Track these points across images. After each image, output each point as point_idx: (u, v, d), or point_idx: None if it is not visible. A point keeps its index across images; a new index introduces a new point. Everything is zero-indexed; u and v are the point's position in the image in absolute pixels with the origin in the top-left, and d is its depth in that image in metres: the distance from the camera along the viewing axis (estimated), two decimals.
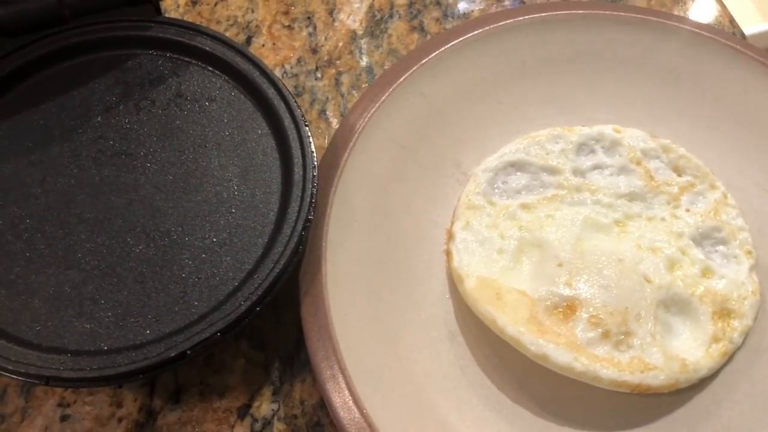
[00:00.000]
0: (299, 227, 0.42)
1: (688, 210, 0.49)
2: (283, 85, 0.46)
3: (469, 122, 0.52)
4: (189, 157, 0.44)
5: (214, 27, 0.59)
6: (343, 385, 0.40)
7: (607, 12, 0.56)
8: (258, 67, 0.47)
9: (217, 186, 0.43)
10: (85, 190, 0.43)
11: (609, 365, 0.41)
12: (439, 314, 0.46)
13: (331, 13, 0.61)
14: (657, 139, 0.51)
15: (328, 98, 0.56)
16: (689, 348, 0.43)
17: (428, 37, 0.60)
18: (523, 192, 0.49)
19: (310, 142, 0.44)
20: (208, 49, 0.47)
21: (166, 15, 0.50)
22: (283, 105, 0.46)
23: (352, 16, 0.61)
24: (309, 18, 0.61)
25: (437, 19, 0.61)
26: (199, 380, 0.45)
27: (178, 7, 0.61)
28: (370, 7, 0.62)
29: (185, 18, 0.59)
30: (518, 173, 0.50)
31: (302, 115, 0.45)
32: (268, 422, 0.44)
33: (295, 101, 0.46)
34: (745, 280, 0.46)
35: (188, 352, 0.37)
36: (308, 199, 0.42)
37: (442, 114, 0.52)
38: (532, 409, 0.43)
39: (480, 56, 0.54)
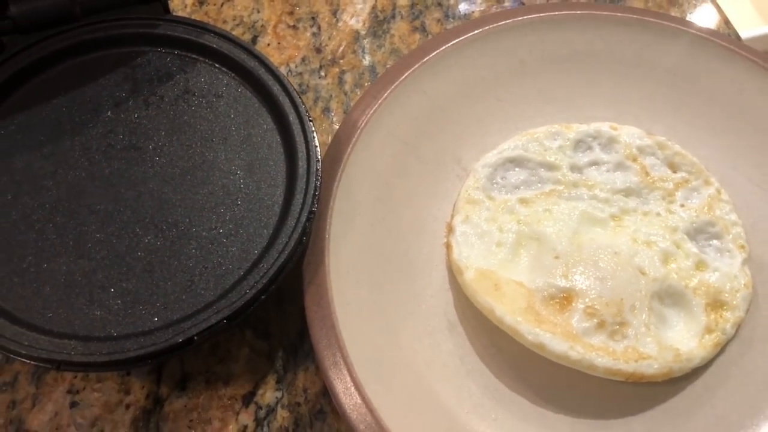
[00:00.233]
0: (303, 219, 0.43)
1: (682, 205, 0.50)
2: (288, 81, 0.48)
3: (469, 119, 0.54)
4: (196, 151, 0.46)
5: (220, 26, 0.60)
6: (345, 373, 0.41)
7: (605, 13, 0.57)
8: (264, 64, 0.48)
9: (224, 179, 0.45)
10: (95, 182, 0.44)
11: (604, 354, 0.42)
12: (439, 305, 0.47)
13: (334, 13, 0.63)
14: (653, 136, 0.52)
15: (331, 96, 0.58)
16: (683, 338, 0.44)
17: (429, 37, 0.61)
18: (522, 187, 0.50)
19: (314, 137, 0.45)
20: (215, 46, 0.49)
21: (174, 14, 0.51)
22: (288, 101, 0.47)
23: (356, 16, 0.62)
24: (313, 18, 0.62)
25: (438, 20, 0.63)
26: (204, 368, 0.46)
27: (186, 7, 0.62)
28: (373, 7, 0.63)
29: (192, 17, 0.61)
30: (517, 169, 0.51)
31: (306, 111, 0.46)
32: (272, 409, 0.45)
33: (300, 98, 0.47)
34: (737, 273, 0.47)
35: (195, 338, 0.39)
36: (312, 192, 0.44)
37: (443, 111, 0.53)
38: (529, 397, 0.44)
39: (480, 55, 0.55)
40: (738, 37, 0.62)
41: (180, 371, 0.46)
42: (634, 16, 0.57)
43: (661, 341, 0.44)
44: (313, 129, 0.46)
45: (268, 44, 0.60)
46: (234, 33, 0.53)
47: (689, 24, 0.57)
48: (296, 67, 0.59)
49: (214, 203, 0.44)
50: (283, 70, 0.58)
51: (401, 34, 0.62)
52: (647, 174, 0.51)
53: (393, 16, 0.63)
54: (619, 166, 0.51)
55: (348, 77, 0.59)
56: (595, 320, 0.43)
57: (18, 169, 0.44)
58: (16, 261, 0.41)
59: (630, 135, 0.52)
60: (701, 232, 0.49)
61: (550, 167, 0.51)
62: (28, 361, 0.38)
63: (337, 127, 0.51)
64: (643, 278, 0.45)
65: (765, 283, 0.48)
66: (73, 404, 0.44)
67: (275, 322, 0.48)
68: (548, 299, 0.44)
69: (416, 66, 0.53)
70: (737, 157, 0.53)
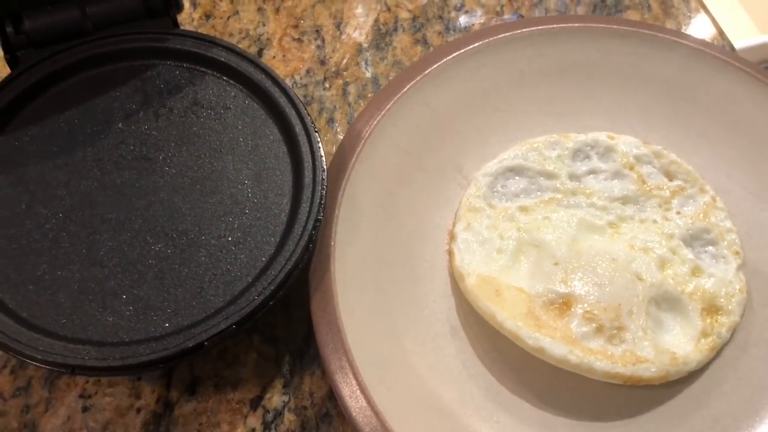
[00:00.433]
0: (309, 227, 0.44)
1: (678, 212, 0.51)
2: (294, 93, 0.49)
3: (470, 129, 0.55)
4: (205, 161, 0.47)
5: (227, 39, 0.61)
6: (351, 376, 0.42)
7: (602, 25, 0.58)
8: (270, 76, 0.49)
9: (232, 188, 0.46)
10: (107, 192, 0.45)
11: (603, 358, 0.43)
12: (442, 310, 0.48)
13: (338, 26, 0.64)
14: (649, 145, 0.53)
15: (335, 107, 0.59)
16: (679, 342, 0.46)
17: (431, 49, 0.63)
18: (522, 195, 0.51)
19: (319, 147, 0.47)
20: (223, 59, 0.50)
21: (183, 28, 0.52)
22: (294, 112, 0.48)
23: (359, 29, 0.64)
24: (317, 31, 0.63)
25: (439, 33, 0.64)
26: (213, 373, 0.47)
27: (193, 20, 0.64)
28: (376, 20, 0.64)
29: (199, 31, 0.62)
30: (517, 177, 0.52)
31: (312, 122, 0.48)
32: (279, 413, 0.46)
33: (306, 109, 0.48)
34: (732, 279, 0.48)
35: (205, 343, 0.40)
36: (318, 201, 0.45)
37: (445, 121, 0.54)
38: (530, 400, 0.45)
39: (480, 67, 0.56)
40: (732, 48, 0.63)
41: (189, 376, 0.47)
42: (631, 29, 0.58)
43: (658, 345, 0.45)
44: (319, 140, 0.47)
45: (274, 57, 0.62)
46: (240, 46, 0.54)
47: (684, 36, 0.59)
48: (301, 79, 0.61)
49: (223, 212, 0.45)
50: (288, 82, 0.60)
51: (403, 46, 0.63)
52: (644, 182, 0.52)
53: (395, 29, 0.64)
54: (617, 175, 0.52)
55: (351, 89, 0.60)
56: (594, 325, 0.44)
57: (32, 179, 0.45)
58: (30, 269, 0.42)
59: (627, 144, 0.53)
60: (697, 239, 0.50)
61: (549, 176, 0.52)
62: (44, 366, 0.39)
63: (342, 137, 0.52)
64: (641, 284, 0.46)
65: (759, 288, 0.49)
66: (85, 408, 0.45)
67: (282, 327, 0.49)
68: (548, 304, 0.45)
69: (418, 78, 0.54)
70: (732, 166, 0.54)
